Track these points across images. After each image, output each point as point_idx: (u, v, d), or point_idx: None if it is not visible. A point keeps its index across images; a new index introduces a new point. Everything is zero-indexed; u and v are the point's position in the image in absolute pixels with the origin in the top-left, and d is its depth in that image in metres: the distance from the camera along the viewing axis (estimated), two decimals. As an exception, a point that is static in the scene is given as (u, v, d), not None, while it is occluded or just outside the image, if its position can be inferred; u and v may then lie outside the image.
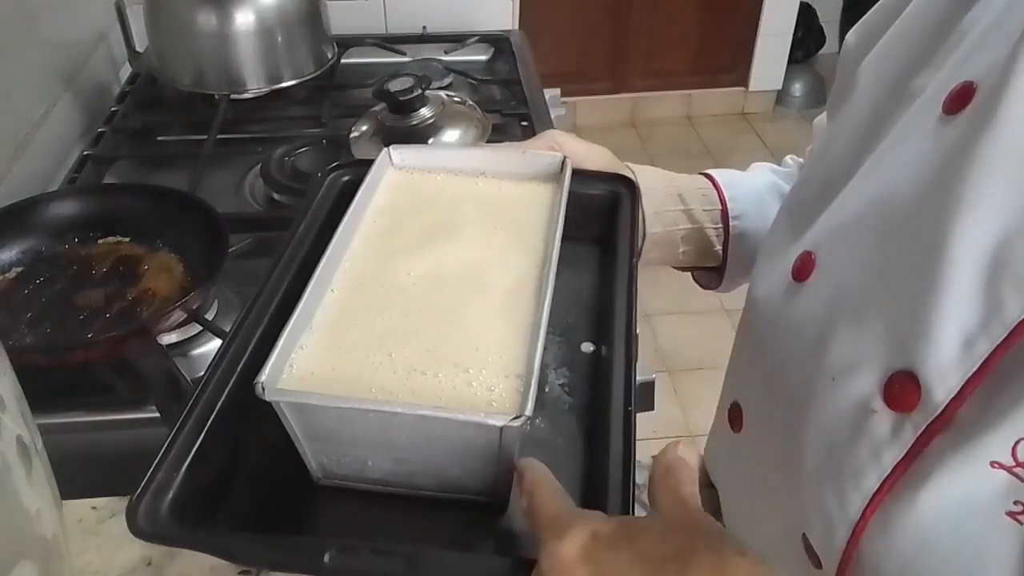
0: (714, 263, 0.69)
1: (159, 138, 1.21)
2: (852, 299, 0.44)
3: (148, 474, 0.39)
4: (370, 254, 0.50)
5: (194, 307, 0.77)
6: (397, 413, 0.38)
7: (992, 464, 0.36)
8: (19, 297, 0.80)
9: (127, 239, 0.87)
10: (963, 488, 0.37)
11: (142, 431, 0.73)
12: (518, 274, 0.48)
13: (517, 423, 0.37)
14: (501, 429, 0.37)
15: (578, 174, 0.55)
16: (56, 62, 1.17)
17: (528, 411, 0.37)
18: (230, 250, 0.81)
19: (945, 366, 0.37)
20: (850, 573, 0.42)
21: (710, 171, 0.69)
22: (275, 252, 0.52)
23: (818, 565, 0.44)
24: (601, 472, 0.40)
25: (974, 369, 0.36)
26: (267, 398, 0.38)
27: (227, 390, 0.44)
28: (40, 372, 0.67)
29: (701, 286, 0.74)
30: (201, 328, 0.80)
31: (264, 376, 0.38)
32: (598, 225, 0.57)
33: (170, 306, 0.76)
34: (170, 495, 0.39)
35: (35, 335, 0.76)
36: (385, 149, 0.57)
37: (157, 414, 0.72)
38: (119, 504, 0.60)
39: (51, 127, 1.11)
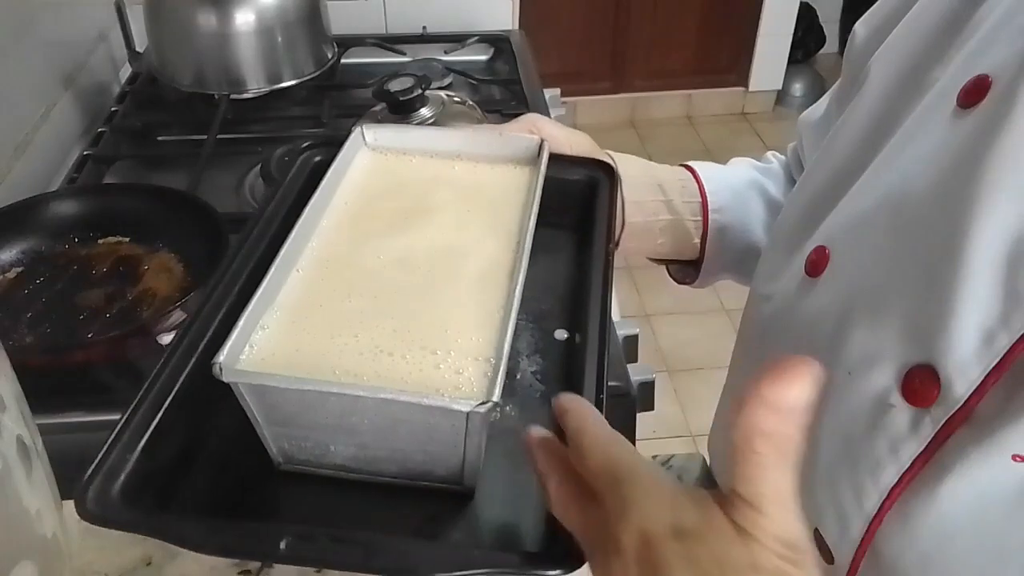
0: (690, 256, 0.68)
1: (159, 138, 1.20)
2: (868, 293, 0.43)
3: (99, 456, 0.38)
4: (340, 236, 0.48)
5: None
6: (360, 396, 0.36)
7: (1014, 457, 0.36)
8: (19, 297, 0.80)
9: (127, 239, 0.88)
10: (985, 482, 0.37)
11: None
12: (491, 258, 0.46)
13: (483, 409, 0.35)
14: (468, 415, 0.35)
15: (557, 159, 0.54)
16: (56, 62, 1.17)
17: (495, 397, 0.36)
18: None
19: (965, 360, 0.37)
20: (864, 567, 0.42)
21: (691, 163, 0.69)
22: (243, 231, 0.50)
23: (830, 560, 0.44)
24: None
25: (994, 363, 0.36)
26: (225, 379, 0.36)
27: (186, 372, 0.42)
28: (40, 372, 0.66)
29: (676, 281, 0.73)
30: (201, 328, 0.80)
31: (223, 356, 0.37)
32: (576, 211, 0.56)
33: (170, 306, 0.76)
34: (122, 478, 0.37)
35: (35, 335, 0.76)
36: (357, 127, 0.54)
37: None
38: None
39: (51, 127, 1.11)
